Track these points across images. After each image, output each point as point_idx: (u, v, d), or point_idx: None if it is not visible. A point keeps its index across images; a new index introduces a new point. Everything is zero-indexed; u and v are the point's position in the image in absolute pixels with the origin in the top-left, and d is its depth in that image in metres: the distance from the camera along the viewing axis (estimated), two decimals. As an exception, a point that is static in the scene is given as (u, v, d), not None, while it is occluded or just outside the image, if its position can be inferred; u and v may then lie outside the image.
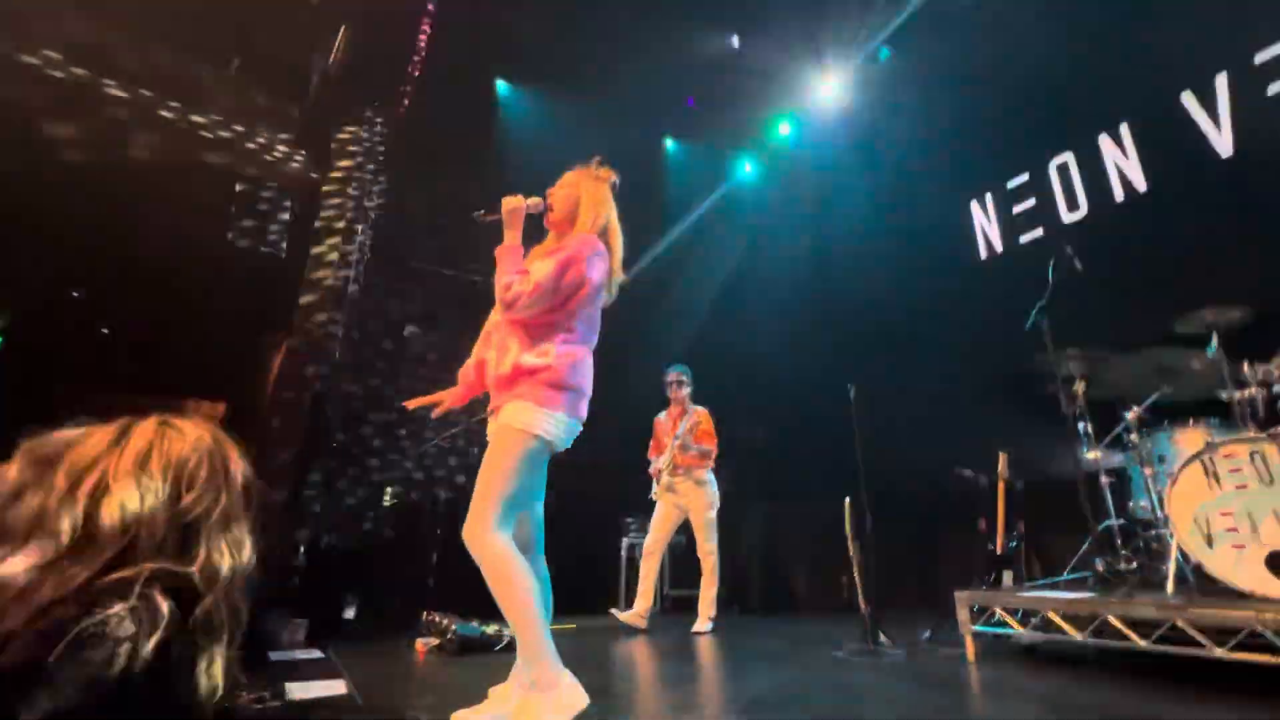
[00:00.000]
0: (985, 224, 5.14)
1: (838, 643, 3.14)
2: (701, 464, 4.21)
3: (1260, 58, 3.56)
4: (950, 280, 5.18)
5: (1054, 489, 3.54)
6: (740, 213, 7.43)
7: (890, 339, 5.30)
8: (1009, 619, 2.69)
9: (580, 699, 1.72)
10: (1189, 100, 3.92)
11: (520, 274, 1.85)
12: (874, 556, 3.29)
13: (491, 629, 3.17)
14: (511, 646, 1.92)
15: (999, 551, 3.33)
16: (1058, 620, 2.52)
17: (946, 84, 5.38)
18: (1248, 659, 2.05)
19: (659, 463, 4.26)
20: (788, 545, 5.05)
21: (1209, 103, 3.78)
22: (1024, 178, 4.88)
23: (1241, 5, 3.64)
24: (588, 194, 2.05)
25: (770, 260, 6.93)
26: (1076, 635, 2.45)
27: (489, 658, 3.01)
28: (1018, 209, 4.91)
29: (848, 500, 3.28)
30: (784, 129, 7.01)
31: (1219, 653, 2.11)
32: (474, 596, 2.06)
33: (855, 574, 3.19)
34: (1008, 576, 3.24)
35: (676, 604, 4.94)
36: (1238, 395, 2.57)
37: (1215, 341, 2.69)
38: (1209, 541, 2.33)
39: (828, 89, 6.32)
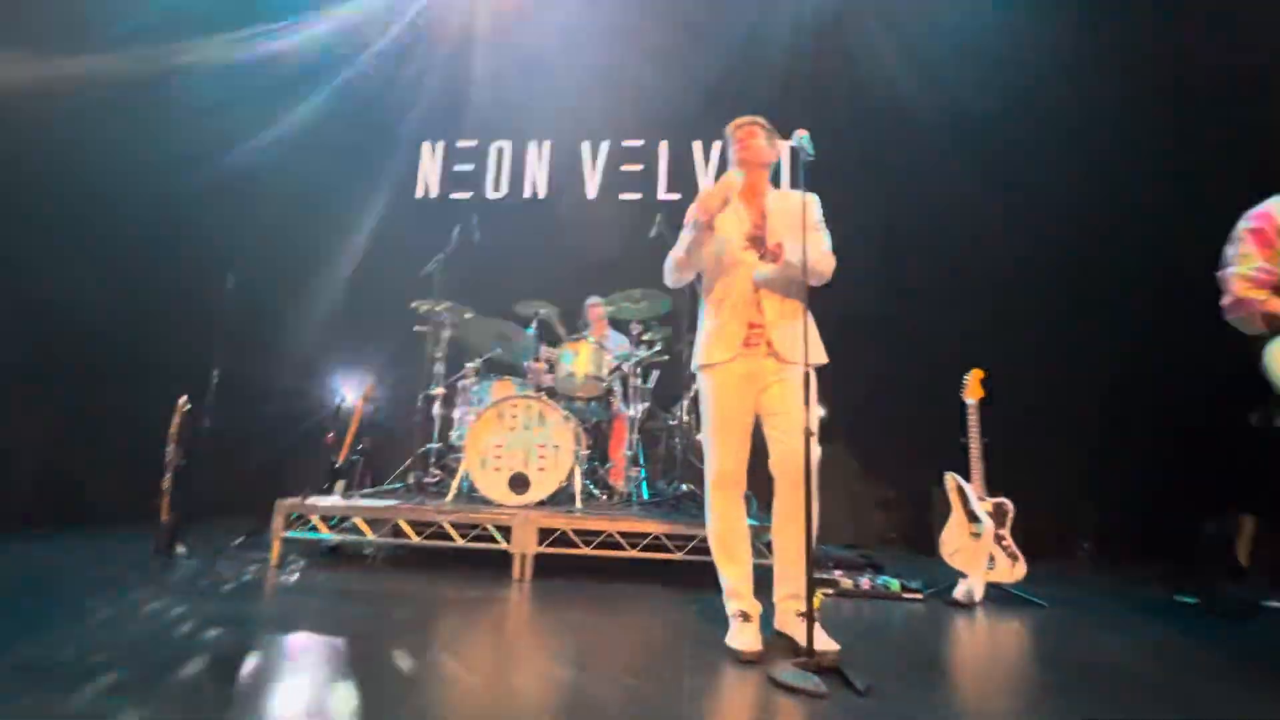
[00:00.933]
0: (429, 169, 5.51)
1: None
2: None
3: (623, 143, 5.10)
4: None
5: (405, 416, 4.13)
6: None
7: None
8: (319, 524, 2.94)
9: None
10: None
11: None
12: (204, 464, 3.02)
13: None
14: None
15: (338, 464, 3.60)
16: (361, 524, 2.92)
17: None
18: (482, 547, 2.89)
19: None
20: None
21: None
22: (473, 142, 5.50)
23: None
24: None
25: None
26: (370, 535, 2.90)
27: None
28: (458, 167, 5.47)
29: (182, 401, 2.89)
30: None
31: (461, 543, 2.89)
32: None
33: (166, 481, 2.84)
34: (340, 487, 3.54)
35: None
36: (533, 364, 3.60)
37: (534, 325, 3.68)
38: (483, 464, 3.14)
39: None
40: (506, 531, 2.87)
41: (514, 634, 2.13)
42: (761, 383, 2.04)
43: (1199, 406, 3.59)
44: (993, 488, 3.00)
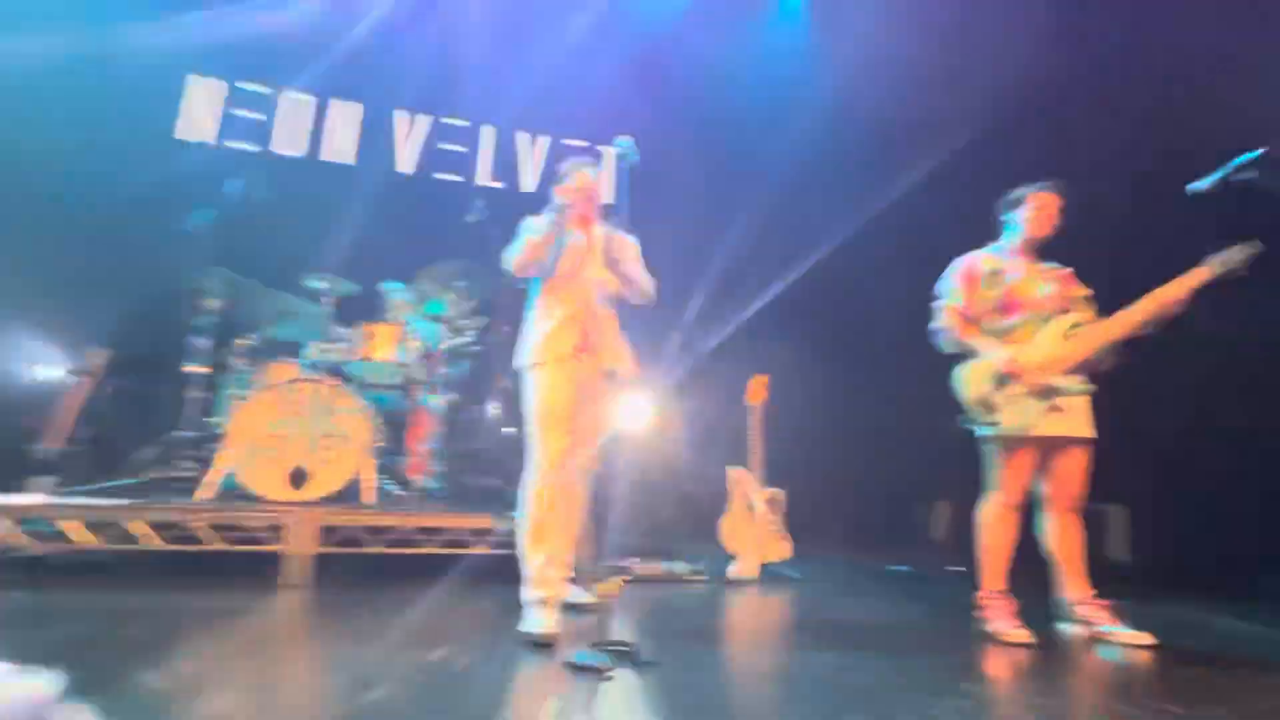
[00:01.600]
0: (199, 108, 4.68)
1: None
2: None
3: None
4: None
5: (156, 395, 3.44)
6: None
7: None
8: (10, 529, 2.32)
9: None
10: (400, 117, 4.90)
11: None
12: None
13: None
14: None
15: (46, 453, 2.87)
16: (72, 527, 2.36)
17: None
18: (246, 550, 2.51)
19: None
20: None
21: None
22: (263, 88, 4.79)
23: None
24: None
25: None
26: (88, 540, 2.36)
27: None
28: (239, 112, 4.73)
29: None
30: None
31: (220, 546, 2.49)
32: None
33: None
34: (45, 483, 2.82)
35: None
36: (323, 346, 3.23)
37: (327, 302, 3.32)
38: (253, 455, 2.74)
39: None
40: (280, 533, 2.54)
41: (283, 644, 1.89)
42: (586, 386, 2.18)
43: (917, 411, 4.44)
44: (769, 479, 3.42)
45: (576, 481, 2.27)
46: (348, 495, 2.89)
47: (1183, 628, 2.46)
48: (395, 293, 3.84)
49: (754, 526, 3.28)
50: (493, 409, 3.53)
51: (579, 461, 2.23)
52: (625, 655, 1.73)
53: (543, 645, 1.85)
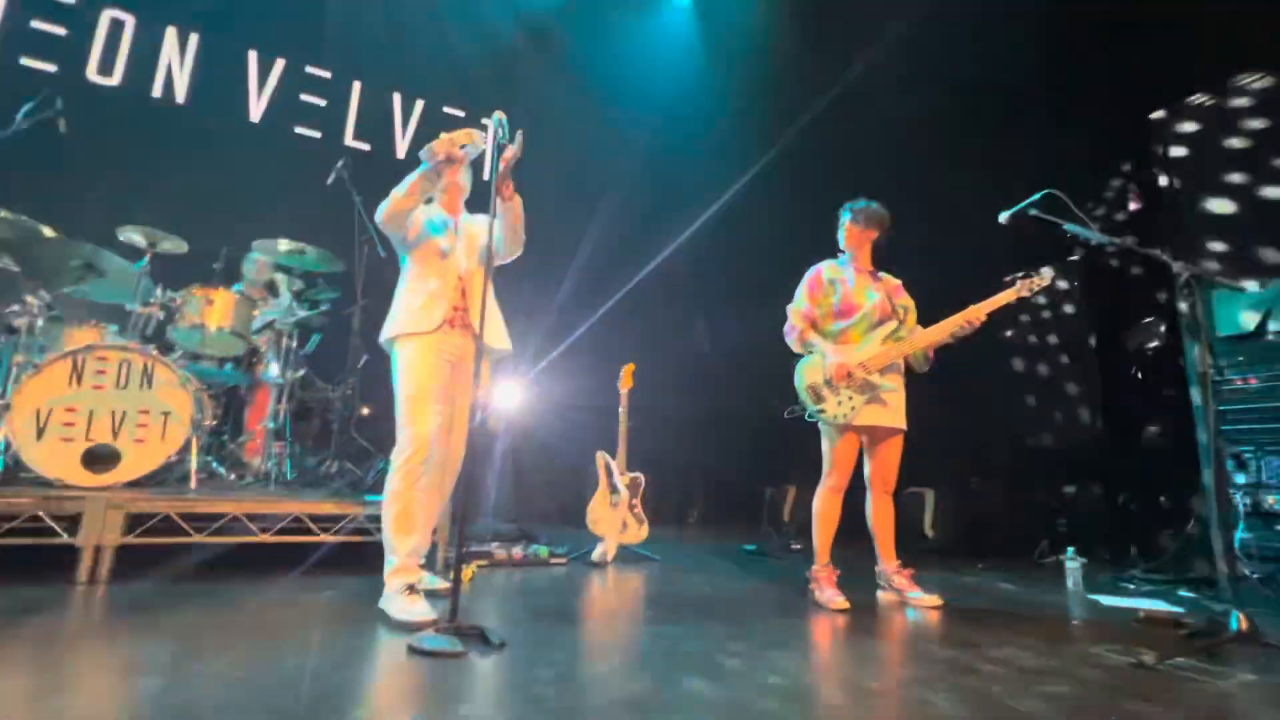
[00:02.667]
0: None
1: None
2: None
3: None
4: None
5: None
6: None
7: None
8: None
9: None
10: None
11: None
12: None
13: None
14: None
15: None
16: None
17: None
18: (26, 543, 2.14)
19: None
20: None
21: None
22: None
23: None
24: None
25: None
26: None
27: None
28: (42, 25, 3.98)
29: None
30: None
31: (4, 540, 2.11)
32: None
33: None
34: None
35: None
36: (140, 309, 2.83)
37: (147, 259, 2.90)
38: (39, 434, 2.35)
39: None
40: (76, 523, 2.20)
41: (74, 648, 1.65)
42: (457, 361, 2.16)
43: (765, 404, 4.79)
44: (633, 464, 3.52)
45: (442, 466, 2.21)
46: (165, 478, 2.58)
47: (970, 590, 2.91)
48: (240, 255, 3.47)
49: (615, 510, 3.37)
50: (348, 386, 3.29)
51: (448, 442, 2.18)
52: (475, 639, 1.72)
53: (419, 629, 1.78)
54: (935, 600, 2.50)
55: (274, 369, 3.14)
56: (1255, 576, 2.61)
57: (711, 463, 5.13)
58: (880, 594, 2.66)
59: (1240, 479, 2.79)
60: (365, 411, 3.41)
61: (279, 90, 4.67)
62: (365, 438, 3.27)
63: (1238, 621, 1.93)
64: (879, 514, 2.64)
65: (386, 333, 2.16)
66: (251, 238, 3.31)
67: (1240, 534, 2.69)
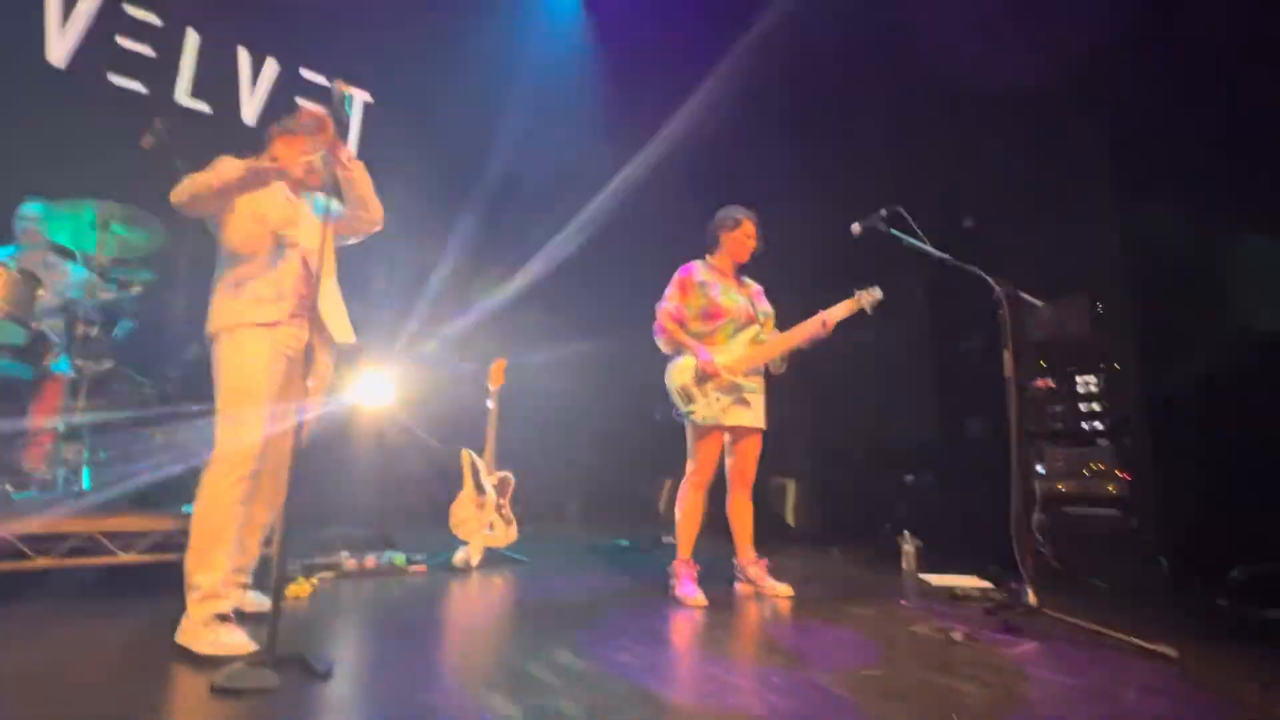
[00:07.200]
0: None
1: None
2: None
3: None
4: None
5: None
6: None
7: None
8: None
9: None
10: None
11: None
12: None
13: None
14: None
15: None
16: None
17: None
18: None
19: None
20: None
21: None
22: None
23: None
24: None
25: None
26: None
27: None
28: None
29: None
30: None
31: None
32: None
33: None
34: None
35: None
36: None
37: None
38: None
39: None
40: None
41: None
42: (292, 358, 1.93)
43: (644, 398, 4.84)
44: (503, 463, 3.39)
45: (271, 472, 1.94)
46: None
47: (819, 575, 3.11)
48: (26, 220, 2.93)
49: (483, 511, 3.23)
50: (163, 382, 2.87)
51: (277, 448, 1.92)
52: (297, 667, 1.55)
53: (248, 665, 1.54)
54: (787, 590, 2.63)
55: (68, 359, 2.66)
56: (1047, 554, 3.00)
57: (588, 458, 5.11)
58: (737, 586, 2.76)
59: (1041, 470, 3.19)
60: (191, 408, 2.99)
61: (87, 29, 3.98)
62: (181, 440, 2.87)
63: (1029, 595, 2.20)
64: (738, 510, 2.74)
65: (212, 323, 1.90)
66: (46, 195, 2.79)
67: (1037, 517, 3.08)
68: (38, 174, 3.13)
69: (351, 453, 4.15)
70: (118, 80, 4.07)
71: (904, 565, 3.34)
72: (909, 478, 4.21)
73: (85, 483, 2.56)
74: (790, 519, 4.54)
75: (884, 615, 2.36)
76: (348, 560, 2.82)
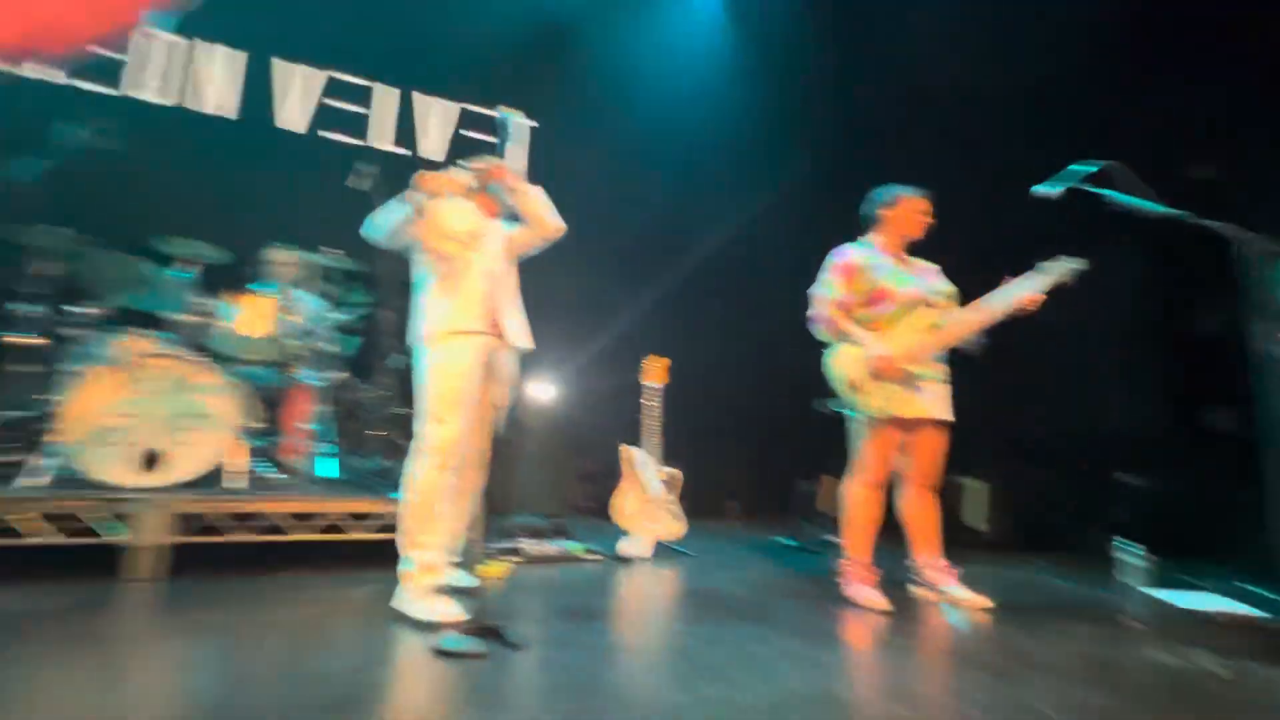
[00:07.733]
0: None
1: None
2: None
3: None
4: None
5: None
6: None
7: None
8: None
9: None
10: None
11: None
12: None
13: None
14: None
15: None
16: None
17: None
18: (83, 543, 2.26)
19: None
20: None
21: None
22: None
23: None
24: None
25: None
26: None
27: None
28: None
29: None
30: None
31: (54, 539, 2.24)
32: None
33: None
34: None
35: None
36: (185, 317, 2.95)
37: (192, 269, 3.03)
38: (92, 440, 2.47)
39: None
40: (127, 523, 2.32)
41: (133, 643, 1.74)
42: (488, 364, 2.18)
43: (797, 395, 4.66)
44: (667, 460, 3.48)
45: (472, 464, 2.22)
46: (211, 480, 2.69)
47: (1020, 587, 2.78)
48: (272, 262, 3.57)
49: (648, 504, 3.34)
50: (381, 388, 3.37)
51: (477, 443, 2.20)
52: (496, 638, 1.73)
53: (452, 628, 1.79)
54: (984, 600, 2.37)
55: (311, 371, 3.23)
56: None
57: (751, 454, 5.07)
58: (913, 589, 2.55)
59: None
60: (402, 412, 3.48)
61: (306, 96, 4.76)
62: (399, 438, 3.34)
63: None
64: (917, 507, 2.52)
65: (415, 334, 2.18)
66: (289, 240, 3.42)
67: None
68: (273, 222, 3.81)
69: (527, 448, 4.51)
70: (329, 135, 4.83)
71: (1124, 578, 2.87)
72: (1124, 476, 3.62)
73: (333, 472, 3.08)
74: (979, 523, 4.12)
75: (1107, 636, 2.05)
76: (530, 546, 3.08)
